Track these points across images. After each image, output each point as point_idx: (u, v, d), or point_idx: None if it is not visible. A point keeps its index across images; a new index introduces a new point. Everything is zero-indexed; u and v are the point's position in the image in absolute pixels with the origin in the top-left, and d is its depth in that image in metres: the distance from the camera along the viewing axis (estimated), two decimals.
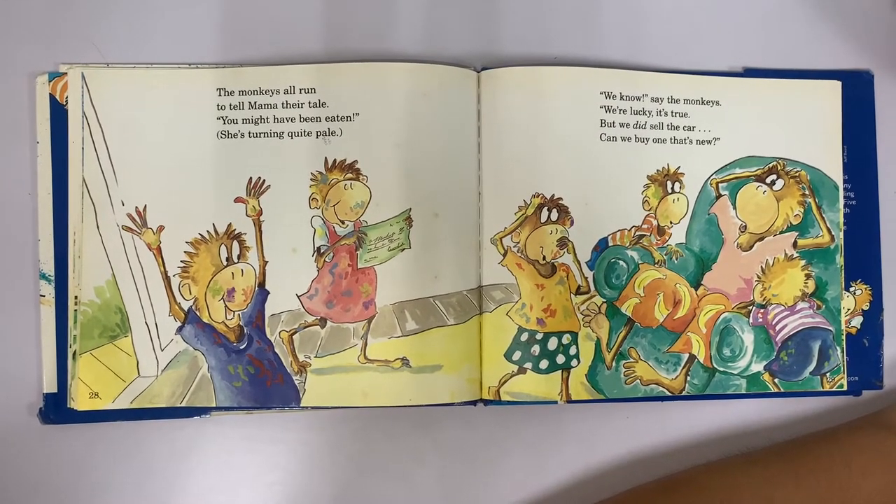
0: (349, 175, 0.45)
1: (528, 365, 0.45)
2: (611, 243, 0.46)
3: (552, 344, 0.46)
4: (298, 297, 0.45)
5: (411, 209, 0.45)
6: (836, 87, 0.48)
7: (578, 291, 0.46)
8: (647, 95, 0.47)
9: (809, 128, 0.48)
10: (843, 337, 0.48)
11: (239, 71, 0.45)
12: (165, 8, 0.46)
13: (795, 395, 0.48)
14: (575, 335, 0.46)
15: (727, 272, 0.47)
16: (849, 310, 0.48)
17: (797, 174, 0.48)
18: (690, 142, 0.47)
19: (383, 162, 0.45)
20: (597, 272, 0.46)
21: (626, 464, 0.47)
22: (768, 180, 0.48)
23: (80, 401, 0.44)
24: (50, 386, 0.44)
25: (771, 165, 0.48)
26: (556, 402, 0.46)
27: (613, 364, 0.46)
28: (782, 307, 0.47)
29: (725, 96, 0.47)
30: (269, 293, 0.45)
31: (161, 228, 0.44)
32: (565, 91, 0.46)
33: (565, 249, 0.46)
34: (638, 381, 0.46)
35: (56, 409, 0.44)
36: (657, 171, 0.47)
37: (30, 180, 0.45)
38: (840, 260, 0.48)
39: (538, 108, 0.45)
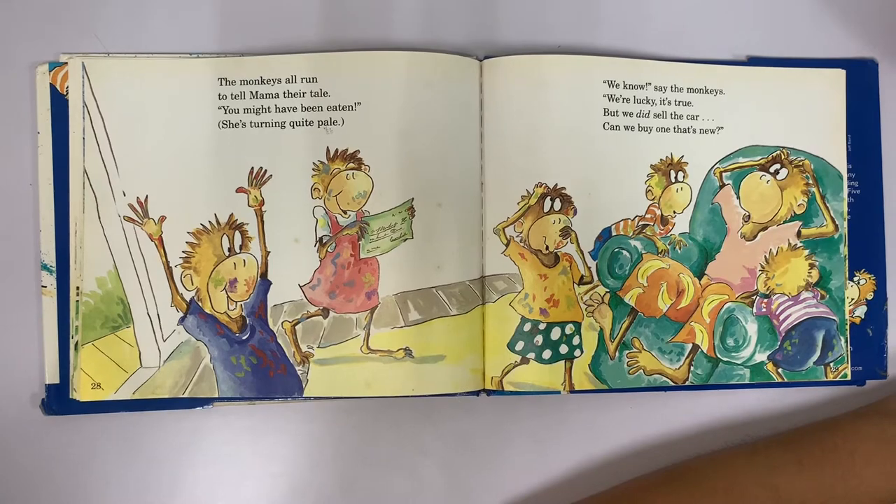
0: (351, 165, 0.45)
1: (531, 355, 0.45)
2: (614, 233, 0.46)
3: (555, 334, 0.46)
4: (301, 287, 0.44)
5: (414, 199, 0.44)
6: (839, 75, 0.48)
7: (581, 281, 0.46)
8: (650, 84, 0.46)
9: (813, 117, 0.48)
10: (847, 327, 0.48)
11: (240, 60, 0.45)
12: None
13: (799, 384, 0.48)
14: (578, 325, 0.46)
15: (731, 262, 0.47)
16: (853, 299, 0.48)
17: (801, 163, 0.47)
18: (694, 131, 0.47)
19: (385, 151, 0.44)
20: (600, 262, 0.46)
21: (630, 454, 0.47)
22: (772, 169, 0.47)
23: (82, 392, 0.44)
24: (52, 377, 0.44)
25: (774, 154, 0.47)
26: (559, 393, 0.46)
27: (617, 354, 0.46)
28: (786, 297, 0.47)
29: (729, 85, 0.47)
30: (271, 283, 0.44)
31: (163, 219, 0.44)
32: (568, 80, 0.45)
33: (568, 239, 0.46)
34: (641, 371, 0.46)
35: (58, 399, 0.44)
36: (660, 160, 0.47)
37: (31, 171, 0.45)
38: (844, 249, 0.48)
39: (541, 96, 0.45)
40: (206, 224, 0.44)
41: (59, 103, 0.45)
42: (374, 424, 0.46)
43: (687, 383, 0.46)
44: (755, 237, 0.47)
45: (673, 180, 0.47)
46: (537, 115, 0.45)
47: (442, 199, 0.45)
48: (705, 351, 0.47)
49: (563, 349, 0.46)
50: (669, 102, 0.47)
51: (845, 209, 0.48)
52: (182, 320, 0.44)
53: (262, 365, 0.44)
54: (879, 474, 0.43)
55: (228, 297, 0.44)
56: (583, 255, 0.46)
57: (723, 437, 0.47)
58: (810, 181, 0.48)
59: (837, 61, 0.48)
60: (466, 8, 0.47)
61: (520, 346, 0.45)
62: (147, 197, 0.44)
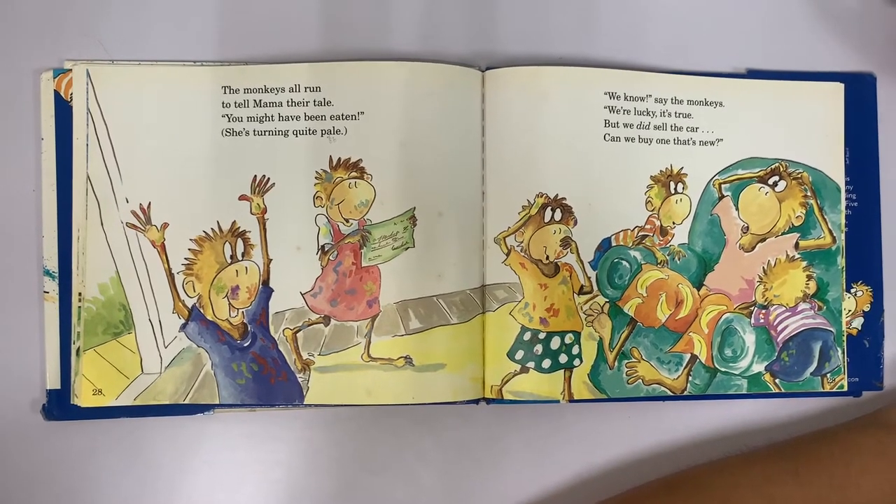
0: (354, 174, 0.45)
1: (531, 364, 0.46)
2: (614, 243, 0.47)
3: (555, 343, 0.46)
4: (302, 294, 0.45)
5: (415, 208, 0.45)
6: (838, 89, 0.48)
7: (581, 291, 0.46)
8: (650, 96, 0.47)
9: (812, 129, 0.48)
10: (844, 338, 0.48)
11: (244, 69, 0.45)
12: (170, 5, 0.46)
13: (796, 395, 0.48)
14: (577, 335, 0.46)
15: (729, 273, 0.47)
16: (850, 311, 0.48)
17: (799, 175, 0.48)
18: (693, 143, 0.47)
19: (388, 161, 0.45)
20: (600, 272, 0.46)
21: (628, 463, 0.47)
22: (770, 181, 0.48)
23: (83, 397, 0.44)
24: (53, 382, 0.44)
25: (773, 167, 0.48)
26: (558, 402, 0.46)
27: (616, 364, 0.46)
28: (784, 308, 0.47)
29: (728, 97, 0.47)
30: (273, 291, 0.45)
31: (165, 226, 0.45)
32: (569, 91, 0.46)
33: (568, 249, 0.46)
34: (640, 380, 0.46)
35: (59, 405, 0.44)
36: (660, 171, 0.47)
37: (34, 177, 0.45)
38: (841, 261, 0.48)
39: (542, 107, 0.46)
40: (208, 231, 0.45)
41: (63, 110, 0.45)
42: (373, 432, 0.46)
43: (685, 393, 0.47)
44: (753, 248, 0.48)
45: (672, 191, 0.47)
46: (538, 126, 0.46)
47: (443, 209, 0.45)
48: (703, 361, 0.47)
49: (563, 358, 0.46)
50: (669, 114, 0.47)
51: (843, 221, 0.48)
52: (184, 327, 0.44)
53: (263, 372, 0.45)
54: (875, 485, 0.44)
55: (230, 304, 0.45)
56: (583, 265, 0.46)
57: (720, 446, 0.48)
58: (808, 193, 0.48)
59: (836, 75, 0.49)
60: (469, 19, 0.48)
61: (519, 355, 0.46)
62: (150, 204, 0.45)
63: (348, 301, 0.45)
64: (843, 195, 0.48)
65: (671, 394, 0.47)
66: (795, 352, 0.48)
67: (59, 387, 0.44)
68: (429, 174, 0.45)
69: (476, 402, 0.46)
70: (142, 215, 0.44)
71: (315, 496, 0.46)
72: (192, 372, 0.44)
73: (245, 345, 0.45)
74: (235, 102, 0.45)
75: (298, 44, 0.47)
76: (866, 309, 0.49)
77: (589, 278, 0.46)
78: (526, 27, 0.48)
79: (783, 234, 0.48)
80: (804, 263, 0.48)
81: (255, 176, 0.45)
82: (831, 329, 0.48)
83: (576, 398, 0.46)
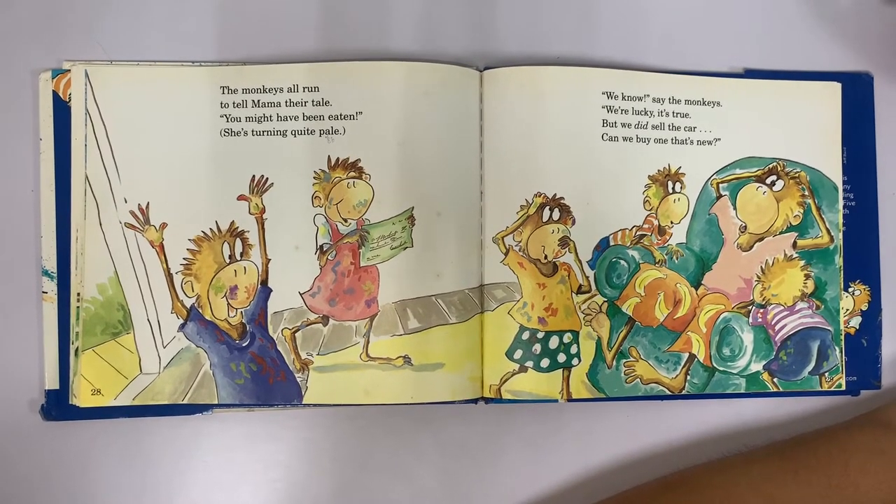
0: (352, 173, 0.45)
1: (530, 363, 0.46)
2: (612, 243, 0.47)
3: (553, 343, 0.46)
4: (301, 294, 0.45)
5: (414, 208, 0.45)
6: (835, 88, 0.48)
7: (580, 290, 0.46)
8: (648, 96, 0.47)
9: (809, 129, 0.48)
10: (842, 337, 0.48)
11: (242, 69, 0.45)
12: (169, 5, 0.46)
13: (794, 394, 0.48)
14: (576, 334, 0.46)
15: (727, 272, 0.47)
16: (847, 310, 0.48)
17: (797, 175, 0.48)
18: (691, 142, 0.47)
19: (386, 161, 0.45)
20: (598, 271, 0.46)
21: (626, 462, 0.47)
22: (768, 181, 0.48)
23: (82, 397, 0.44)
24: (52, 382, 0.44)
25: (771, 166, 0.48)
26: (556, 401, 0.46)
27: (614, 363, 0.46)
28: (782, 307, 0.48)
29: (726, 97, 0.48)
30: (271, 291, 0.45)
31: (164, 226, 0.45)
32: (567, 91, 0.46)
33: (567, 249, 0.46)
34: (638, 380, 0.47)
35: (58, 405, 0.44)
36: (658, 171, 0.47)
37: (32, 177, 0.45)
38: (839, 260, 0.48)
39: (540, 107, 0.46)
40: (206, 231, 0.45)
41: (62, 110, 0.45)
42: (372, 432, 0.46)
43: (683, 392, 0.47)
44: (751, 248, 0.48)
45: (670, 191, 0.47)
46: (537, 126, 0.46)
47: (441, 209, 0.45)
48: (702, 360, 0.47)
49: (561, 358, 0.46)
50: (667, 114, 0.47)
51: (840, 221, 0.48)
52: (182, 327, 0.44)
53: (261, 372, 0.45)
54: (873, 484, 0.44)
55: (229, 303, 0.45)
56: (581, 264, 0.46)
57: (719, 446, 0.48)
58: (806, 193, 0.48)
59: (833, 74, 0.49)
60: (467, 19, 0.48)
61: (518, 354, 0.46)
62: (148, 204, 0.45)
63: (347, 301, 0.45)
64: (841, 194, 0.48)
65: (669, 393, 0.47)
66: (793, 351, 0.48)
67: (57, 387, 0.44)
68: (427, 174, 0.45)
69: (475, 401, 0.46)
70: (140, 215, 0.45)
71: (314, 496, 0.46)
72: (190, 372, 0.44)
73: (243, 345, 0.45)
74: (234, 103, 0.45)
75: (296, 44, 0.47)
76: (864, 308, 0.49)
77: (587, 278, 0.46)
78: (524, 27, 0.48)
79: (781, 233, 0.48)
80: (802, 263, 0.48)
81: (254, 176, 0.45)
82: (829, 328, 0.48)
83: (574, 397, 0.46)
